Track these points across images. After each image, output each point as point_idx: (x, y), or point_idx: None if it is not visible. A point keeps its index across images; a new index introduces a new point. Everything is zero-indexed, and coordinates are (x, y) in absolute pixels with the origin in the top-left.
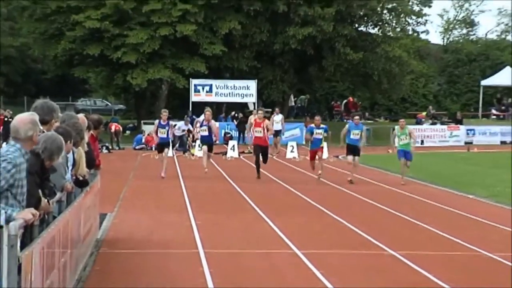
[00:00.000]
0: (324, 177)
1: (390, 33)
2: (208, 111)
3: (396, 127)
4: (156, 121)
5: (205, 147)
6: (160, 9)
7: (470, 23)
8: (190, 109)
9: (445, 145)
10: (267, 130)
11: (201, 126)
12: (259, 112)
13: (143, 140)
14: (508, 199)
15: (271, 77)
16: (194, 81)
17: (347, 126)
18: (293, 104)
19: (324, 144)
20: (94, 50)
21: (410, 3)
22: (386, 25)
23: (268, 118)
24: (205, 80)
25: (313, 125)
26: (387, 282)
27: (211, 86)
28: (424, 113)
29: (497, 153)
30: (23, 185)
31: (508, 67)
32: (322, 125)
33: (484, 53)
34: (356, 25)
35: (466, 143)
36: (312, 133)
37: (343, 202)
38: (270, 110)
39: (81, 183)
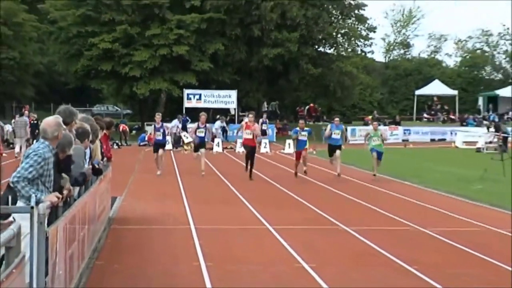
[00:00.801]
0: (293, 170)
1: (343, 53)
2: (203, 115)
3: (370, 128)
4: (152, 126)
5: (202, 150)
6: (159, 33)
7: (406, 45)
8: (184, 112)
9: (386, 142)
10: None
11: (198, 128)
12: (250, 115)
13: (146, 138)
14: (435, 184)
15: (248, 88)
16: (187, 91)
17: (329, 127)
18: (266, 109)
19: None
20: (107, 66)
21: (359, 28)
22: (340, 46)
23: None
24: (195, 90)
25: (298, 128)
26: (339, 249)
27: (200, 95)
28: (370, 117)
29: (428, 149)
30: (51, 175)
31: (436, 80)
32: (306, 128)
33: (418, 69)
34: (316, 46)
35: (403, 140)
36: (296, 134)
37: (309, 189)
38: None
39: (96, 172)
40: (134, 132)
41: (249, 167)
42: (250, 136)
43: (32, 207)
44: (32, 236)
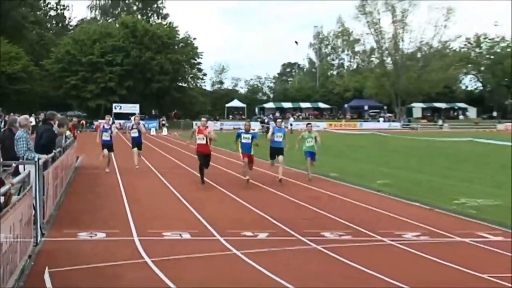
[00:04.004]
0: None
1: (191, 86)
2: (137, 117)
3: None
4: (101, 126)
5: (135, 149)
6: (100, 76)
7: (221, 82)
8: (113, 115)
9: (221, 129)
10: (210, 139)
11: (132, 129)
12: (202, 119)
13: (94, 127)
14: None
15: (145, 104)
16: (114, 104)
17: (271, 129)
18: (153, 113)
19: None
20: (74, 92)
21: (199, 74)
22: (190, 83)
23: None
24: (119, 104)
25: (242, 130)
26: (211, 198)
27: (121, 106)
28: (204, 117)
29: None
30: (32, 145)
31: (236, 100)
32: (251, 131)
33: (227, 94)
34: (178, 83)
35: (220, 129)
36: (239, 137)
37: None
38: (144, 115)
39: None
40: (88, 124)
41: (203, 173)
42: (204, 142)
43: (35, 161)
44: (36, 175)
